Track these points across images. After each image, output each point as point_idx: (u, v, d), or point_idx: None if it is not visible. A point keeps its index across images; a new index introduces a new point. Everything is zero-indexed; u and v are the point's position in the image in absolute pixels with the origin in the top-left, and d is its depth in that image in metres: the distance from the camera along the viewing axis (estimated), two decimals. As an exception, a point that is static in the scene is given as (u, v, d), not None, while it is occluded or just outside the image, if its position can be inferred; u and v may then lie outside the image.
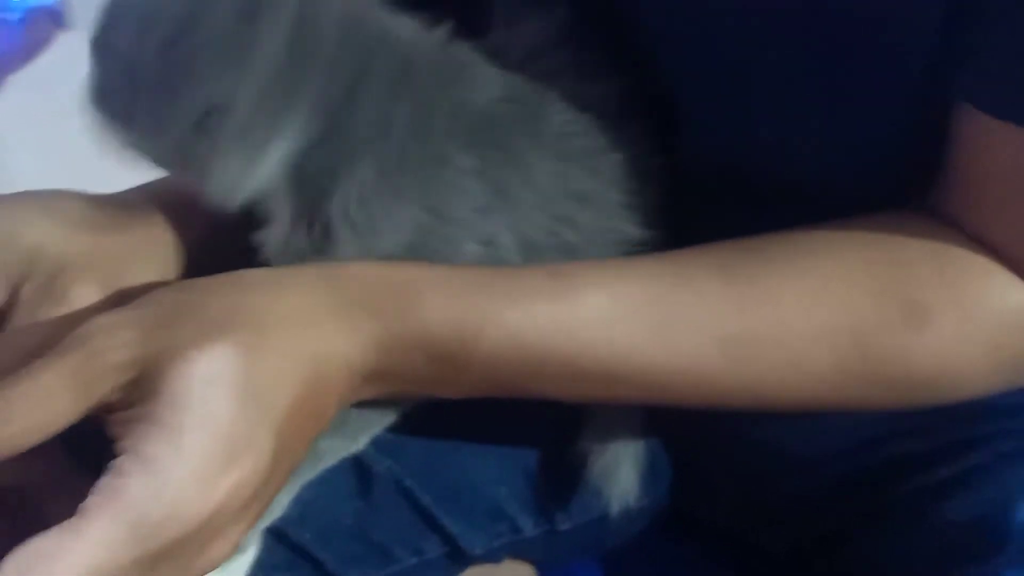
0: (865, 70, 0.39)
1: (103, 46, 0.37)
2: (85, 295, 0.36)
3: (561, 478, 0.51)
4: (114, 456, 0.29)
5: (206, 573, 0.31)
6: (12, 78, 2.25)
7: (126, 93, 0.37)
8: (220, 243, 0.41)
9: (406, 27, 0.40)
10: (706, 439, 0.52)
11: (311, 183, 0.38)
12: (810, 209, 0.39)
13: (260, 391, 0.30)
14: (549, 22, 0.45)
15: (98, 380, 0.29)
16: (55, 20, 2.57)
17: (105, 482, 0.28)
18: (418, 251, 0.39)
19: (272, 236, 0.39)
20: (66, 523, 0.27)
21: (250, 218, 0.39)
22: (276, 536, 0.45)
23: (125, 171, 0.42)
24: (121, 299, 0.34)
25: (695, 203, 0.43)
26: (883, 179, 0.42)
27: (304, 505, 0.45)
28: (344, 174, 0.38)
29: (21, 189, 0.41)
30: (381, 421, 0.44)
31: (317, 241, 0.38)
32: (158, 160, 0.39)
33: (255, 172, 0.36)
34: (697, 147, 0.45)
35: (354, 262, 0.37)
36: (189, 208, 0.40)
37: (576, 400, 0.42)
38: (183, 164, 0.38)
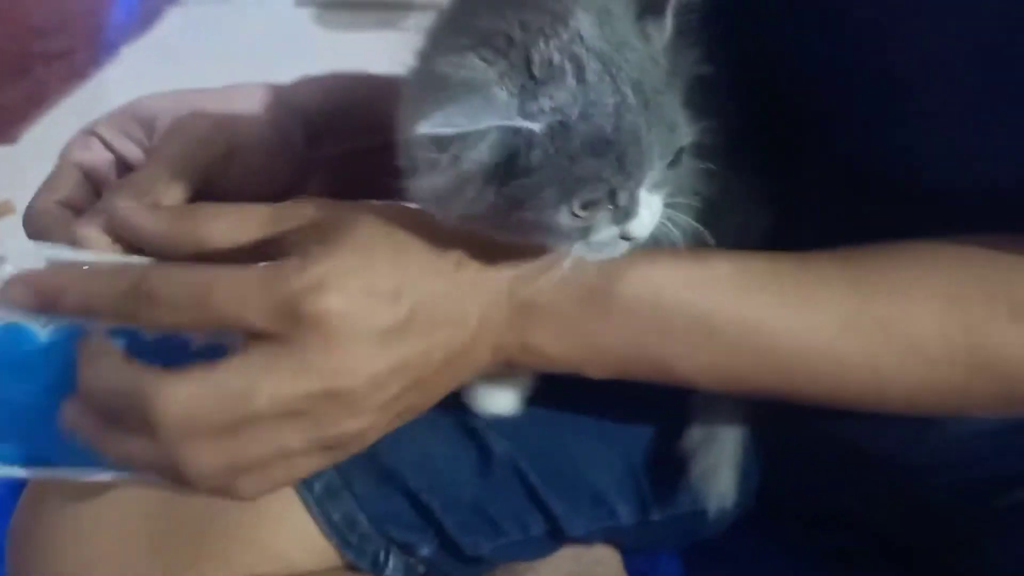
0: None
1: None
2: None
3: (660, 472, 0.54)
4: None
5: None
6: (127, 49, 2.37)
7: None
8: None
9: None
10: (800, 440, 0.54)
11: None
12: (952, 213, 0.41)
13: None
14: None
15: (283, 221, 0.38)
16: (167, -6, 2.68)
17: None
18: None
19: None
20: None
21: None
22: (410, 500, 0.50)
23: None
24: None
25: (829, 207, 0.45)
26: None
27: (433, 475, 0.50)
28: None
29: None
30: None
31: None
32: None
33: None
34: (839, 153, 0.46)
35: None
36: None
37: (705, 374, 0.43)
38: None
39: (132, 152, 0.45)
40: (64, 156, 0.44)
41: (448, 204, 0.37)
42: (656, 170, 0.36)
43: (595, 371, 0.42)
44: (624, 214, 0.36)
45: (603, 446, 0.54)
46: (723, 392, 0.45)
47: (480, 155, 0.34)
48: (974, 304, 0.40)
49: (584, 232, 0.37)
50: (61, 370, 0.37)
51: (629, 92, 0.34)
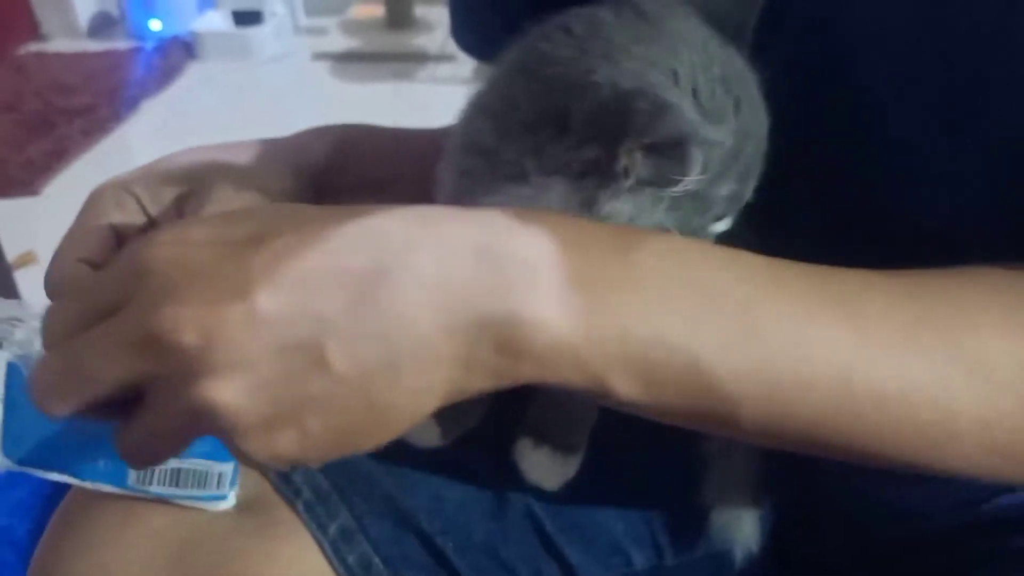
0: (992, 115, 0.38)
1: None
2: None
3: (675, 517, 0.54)
4: None
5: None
6: (148, 103, 2.42)
7: None
8: None
9: None
10: (813, 486, 0.53)
11: None
12: (937, 249, 0.38)
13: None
14: None
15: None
16: (187, 50, 2.75)
17: None
18: None
19: None
20: None
21: None
22: (424, 542, 0.50)
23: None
24: None
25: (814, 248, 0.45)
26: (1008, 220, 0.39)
27: (447, 518, 0.50)
28: None
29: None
30: None
31: None
32: None
33: None
34: (821, 192, 0.45)
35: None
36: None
37: (746, 390, 0.32)
38: None
39: (164, 215, 0.44)
40: (95, 210, 0.43)
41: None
42: None
43: (615, 374, 0.31)
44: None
45: (617, 491, 0.54)
46: (763, 434, 0.34)
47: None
48: None
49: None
50: None
51: (765, 117, 0.37)
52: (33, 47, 2.86)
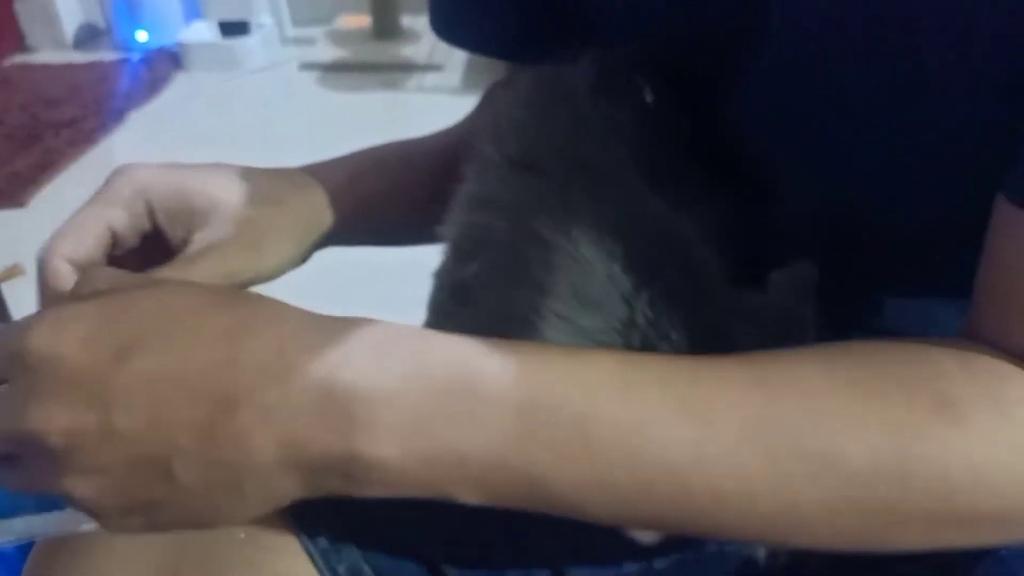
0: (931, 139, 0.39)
1: None
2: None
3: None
4: None
5: None
6: (135, 114, 2.41)
7: None
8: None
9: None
10: None
11: None
12: (904, 251, 0.40)
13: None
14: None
15: None
16: (173, 61, 2.75)
17: None
18: None
19: None
20: None
21: None
22: (413, 549, 0.50)
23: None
24: None
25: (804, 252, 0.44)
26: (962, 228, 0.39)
27: (437, 528, 0.50)
28: None
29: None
30: None
31: None
32: None
33: None
34: (790, 210, 0.46)
35: None
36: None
37: (586, 495, 0.34)
38: None
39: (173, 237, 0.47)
40: (107, 198, 0.46)
41: None
42: None
43: (457, 491, 0.34)
44: None
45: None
46: (615, 523, 0.37)
47: None
48: (895, 400, 0.35)
49: None
50: None
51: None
52: (19, 59, 2.86)
